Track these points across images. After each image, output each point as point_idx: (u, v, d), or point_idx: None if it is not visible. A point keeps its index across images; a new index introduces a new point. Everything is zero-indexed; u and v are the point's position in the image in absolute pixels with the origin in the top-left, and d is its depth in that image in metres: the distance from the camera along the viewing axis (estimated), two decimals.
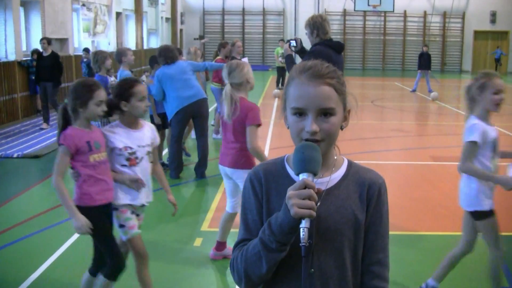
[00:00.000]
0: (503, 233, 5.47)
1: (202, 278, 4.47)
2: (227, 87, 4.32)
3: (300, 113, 1.57)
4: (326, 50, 5.20)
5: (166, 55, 7.35)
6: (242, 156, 4.38)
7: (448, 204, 6.44)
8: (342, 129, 1.64)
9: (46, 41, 11.41)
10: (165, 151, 8.31)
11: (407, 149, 9.88)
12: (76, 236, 5.16)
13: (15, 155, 8.61)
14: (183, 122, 7.46)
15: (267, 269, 1.55)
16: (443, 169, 8.15)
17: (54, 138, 9.89)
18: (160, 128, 7.75)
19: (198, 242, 5.15)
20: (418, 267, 4.72)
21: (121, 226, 3.57)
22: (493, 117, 3.63)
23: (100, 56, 7.02)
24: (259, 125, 4.34)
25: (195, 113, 7.44)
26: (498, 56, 29.38)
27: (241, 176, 4.36)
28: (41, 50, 11.53)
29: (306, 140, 1.56)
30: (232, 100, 4.26)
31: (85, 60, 14.21)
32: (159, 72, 7.39)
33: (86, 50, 14.34)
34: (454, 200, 6.64)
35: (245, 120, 4.28)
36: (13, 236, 5.27)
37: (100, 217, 3.40)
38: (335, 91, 1.58)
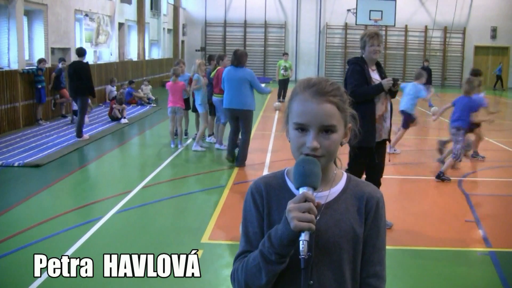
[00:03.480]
0: (505, 249, 5.49)
1: None
2: None
3: (302, 128, 1.61)
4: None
5: (235, 57, 8.52)
6: None
7: (447, 219, 6.46)
8: (342, 145, 1.68)
9: None
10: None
11: (407, 163, 9.90)
12: (77, 245, 5.19)
13: (15, 164, 8.62)
14: (230, 120, 8.91)
15: (267, 281, 1.58)
16: (443, 184, 8.16)
17: (56, 147, 9.92)
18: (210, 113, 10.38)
19: (198, 254, 5.15)
20: (416, 282, 4.72)
21: None
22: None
23: None
24: None
25: (237, 116, 8.65)
26: (499, 72, 29.43)
27: None
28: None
29: (306, 155, 1.59)
30: None
31: (60, 66, 13.55)
32: (226, 69, 8.80)
33: (64, 60, 13.74)
34: (454, 215, 6.69)
35: None
36: (14, 244, 5.28)
37: None
38: (337, 108, 1.62)
